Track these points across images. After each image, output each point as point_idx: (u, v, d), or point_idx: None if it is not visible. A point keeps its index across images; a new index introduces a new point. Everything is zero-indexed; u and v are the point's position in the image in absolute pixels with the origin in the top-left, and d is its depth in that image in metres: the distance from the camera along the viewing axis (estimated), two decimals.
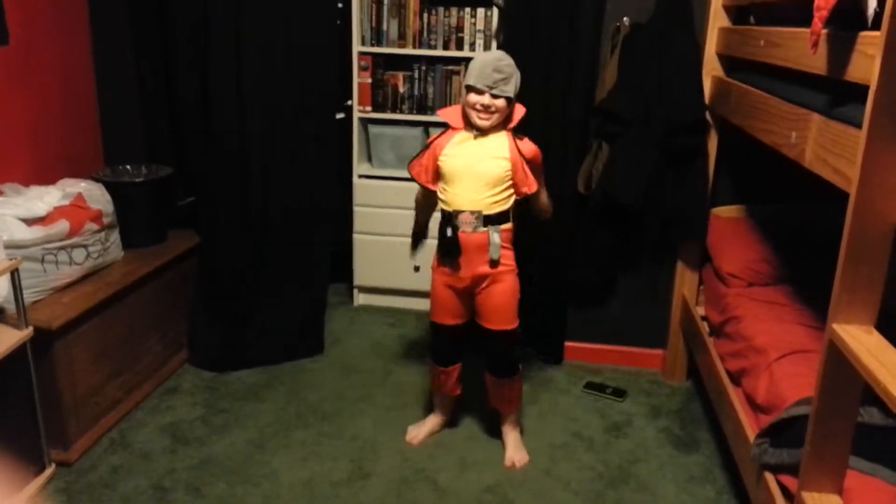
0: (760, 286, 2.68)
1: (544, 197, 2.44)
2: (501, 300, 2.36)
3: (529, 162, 2.28)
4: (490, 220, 2.27)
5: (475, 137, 2.27)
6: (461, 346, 2.52)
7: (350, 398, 2.90)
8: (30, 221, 2.37)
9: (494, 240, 2.27)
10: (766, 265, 2.71)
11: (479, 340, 2.45)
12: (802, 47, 1.64)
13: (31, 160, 2.82)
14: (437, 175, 2.33)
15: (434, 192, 2.37)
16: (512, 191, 2.30)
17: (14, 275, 2.12)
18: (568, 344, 3.25)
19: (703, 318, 2.83)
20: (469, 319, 2.45)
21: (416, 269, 3.56)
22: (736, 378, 2.30)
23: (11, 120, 2.69)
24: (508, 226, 2.32)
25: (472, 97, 2.21)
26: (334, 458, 2.53)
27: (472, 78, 2.20)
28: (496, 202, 2.27)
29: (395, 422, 2.74)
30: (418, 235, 2.62)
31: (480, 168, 2.24)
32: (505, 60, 2.21)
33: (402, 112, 3.50)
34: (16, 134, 2.72)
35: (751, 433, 1.98)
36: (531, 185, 2.31)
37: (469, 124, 2.28)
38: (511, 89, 2.21)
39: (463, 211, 2.26)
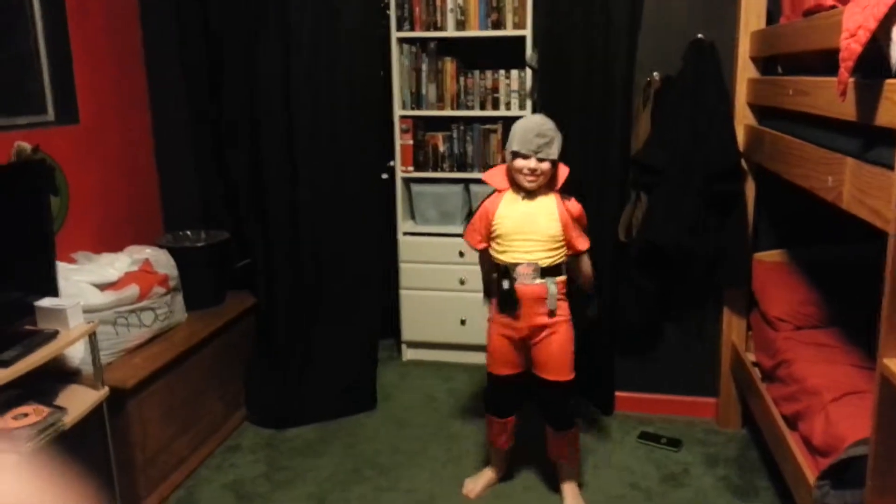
0: (809, 329, 2.68)
1: (587, 264, 2.48)
2: (558, 350, 2.39)
3: (577, 220, 2.37)
4: (546, 272, 2.33)
5: (523, 198, 2.35)
6: (517, 398, 2.55)
7: (405, 452, 2.94)
8: (102, 287, 2.53)
9: (552, 290, 2.33)
10: (813, 307, 2.72)
11: (535, 392, 2.48)
12: (830, 95, 1.71)
13: (100, 228, 3.01)
14: (490, 236, 2.40)
15: (489, 251, 2.43)
16: (564, 246, 2.37)
17: (91, 338, 2.26)
18: (618, 394, 3.25)
19: (755, 364, 2.83)
20: (525, 370, 2.48)
21: (463, 322, 3.63)
22: (791, 422, 2.30)
23: (82, 192, 2.89)
24: (563, 278, 2.38)
25: (518, 162, 2.29)
26: None
27: (515, 143, 2.28)
28: (551, 256, 2.33)
29: (451, 475, 2.77)
30: (490, 289, 2.55)
31: (534, 227, 2.31)
32: (547, 125, 2.29)
33: (442, 170, 3.63)
34: (86, 204, 2.92)
35: (811, 476, 1.97)
36: (584, 242, 2.39)
37: (515, 185, 2.36)
38: (555, 152, 2.29)
39: (520, 263, 2.32)
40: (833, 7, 1.87)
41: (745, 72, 2.81)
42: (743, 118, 2.83)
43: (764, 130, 2.57)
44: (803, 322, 2.71)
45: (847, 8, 1.57)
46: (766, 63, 2.75)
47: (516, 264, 2.32)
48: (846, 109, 1.63)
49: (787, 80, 2.28)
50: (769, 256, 3.01)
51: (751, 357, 2.90)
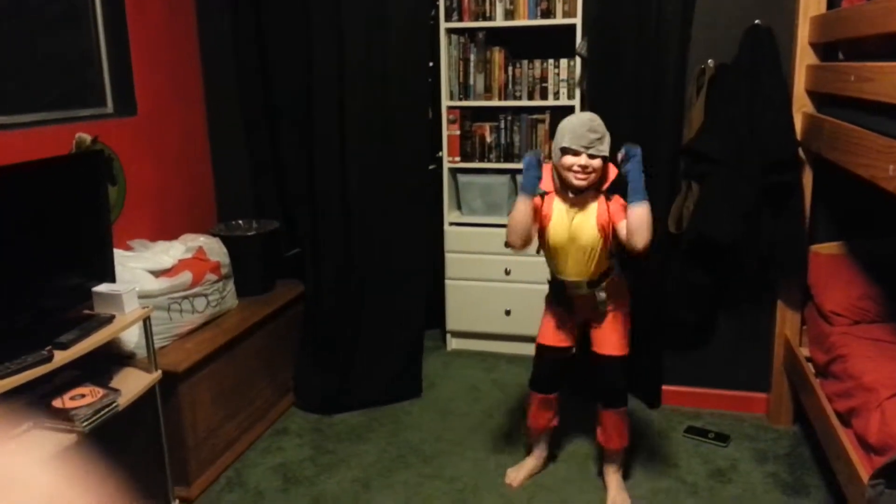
0: (866, 324, 2.60)
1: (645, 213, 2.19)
2: (613, 326, 2.44)
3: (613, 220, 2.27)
4: (593, 284, 2.37)
5: (571, 200, 2.28)
6: (561, 375, 2.57)
7: (449, 440, 2.96)
8: (157, 273, 2.60)
9: (601, 297, 2.39)
10: (871, 302, 2.62)
11: (582, 376, 2.51)
12: (895, 80, 1.64)
13: (156, 217, 3.11)
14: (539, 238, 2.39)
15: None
16: (609, 254, 2.36)
17: (146, 323, 2.34)
18: (665, 387, 3.20)
19: (808, 360, 2.75)
20: (573, 345, 2.53)
21: (507, 312, 3.62)
22: (845, 419, 2.23)
23: (139, 182, 2.99)
24: (612, 277, 2.41)
25: (569, 159, 2.20)
26: (436, 498, 2.59)
27: (566, 140, 2.19)
28: (597, 268, 2.35)
29: (494, 464, 2.78)
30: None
31: (579, 240, 2.29)
32: (597, 121, 2.21)
33: (489, 161, 3.62)
34: (143, 194, 3.02)
35: (864, 475, 1.92)
36: (623, 234, 2.23)
37: (562, 187, 2.29)
38: (606, 148, 2.21)
39: (568, 279, 2.38)
40: None
41: (804, 58, 2.72)
42: (801, 106, 2.74)
43: (823, 118, 2.48)
44: (860, 317, 2.62)
45: None
46: (826, 49, 2.65)
47: (565, 279, 2.40)
48: None
49: (848, 66, 2.19)
50: (826, 249, 2.92)
51: (804, 352, 2.82)
